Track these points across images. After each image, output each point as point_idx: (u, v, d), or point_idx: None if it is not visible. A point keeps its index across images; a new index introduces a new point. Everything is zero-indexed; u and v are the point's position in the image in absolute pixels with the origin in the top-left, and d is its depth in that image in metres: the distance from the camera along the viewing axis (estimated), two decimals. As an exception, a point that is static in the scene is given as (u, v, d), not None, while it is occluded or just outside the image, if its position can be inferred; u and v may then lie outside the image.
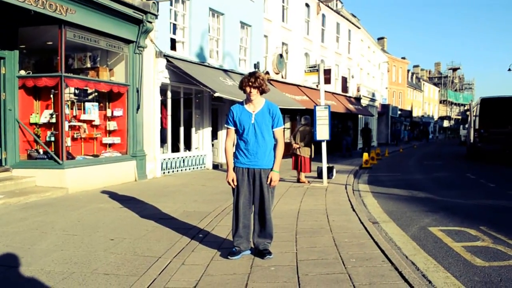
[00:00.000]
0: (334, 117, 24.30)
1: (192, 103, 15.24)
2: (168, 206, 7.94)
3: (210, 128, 15.89)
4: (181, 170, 14.29)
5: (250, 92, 4.55)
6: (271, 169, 4.60)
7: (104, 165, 10.73)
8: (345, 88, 30.54)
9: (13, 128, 9.84)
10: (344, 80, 30.38)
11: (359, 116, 33.95)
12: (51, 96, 10.27)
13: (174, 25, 14.17)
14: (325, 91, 12.55)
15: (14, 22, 9.55)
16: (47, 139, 10.11)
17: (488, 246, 5.44)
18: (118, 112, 11.57)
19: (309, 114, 12.23)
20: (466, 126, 30.57)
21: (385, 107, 44.40)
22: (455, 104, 78.88)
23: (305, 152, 11.35)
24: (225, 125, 4.85)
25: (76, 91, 10.93)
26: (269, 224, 4.68)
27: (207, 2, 15.21)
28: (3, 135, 9.77)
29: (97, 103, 11.25)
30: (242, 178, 4.62)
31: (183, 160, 14.46)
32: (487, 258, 4.92)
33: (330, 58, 27.81)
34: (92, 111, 10.94)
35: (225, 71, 15.98)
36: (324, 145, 11.28)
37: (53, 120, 10.05)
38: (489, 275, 4.38)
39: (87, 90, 11.13)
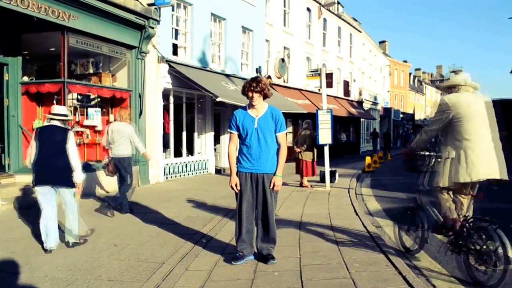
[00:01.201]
0: (336, 121, 24.34)
1: (195, 108, 15.26)
2: (171, 211, 7.94)
3: (213, 133, 15.91)
4: (184, 175, 14.29)
5: (253, 97, 4.56)
6: (274, 174, 4.60)
7: (107, 170, 10.73)
8: (347, 92, 30.55)
9: (16, 134, 9.87)
10: (346, 84, 30.40)
11: (361, 119, 33.95)
12: (54, 102, 10.29)
13: (176, 30, 14.22)
14: (327, 95, 12.56)
15: (17, 28, 9.61)
16: (50, 145, 10.11)
17: (492, 250, 5.41)
18: (120, 118, 11.57)
19: (311, 118, 12.23)
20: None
21: (387, 110, 44.38)
22: (458, 107, 78.62)
23: (307, 156, 11.34)
24: (228, 130, 4.85)
25: (79, 97, 10.97)
26: (273, 229, 4.67)
27: (209, 7, 15.26)
28: (7, 141, 9.80)
29: (99, 109, 11.28)
30: (245, 183, 4.62)
31: (186, 165, 14.46)
32: (491, 262, 4.88)
33: (331, 62, 27.84)
34: (95, 116, 10.97)
35: (227, 75, 16.01)
36: (326, 149, 11.27)
37: (56, 126, 10.06)
38: (493, 279, 4.35)
39: (89, 95, 11.17)
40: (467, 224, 4.30)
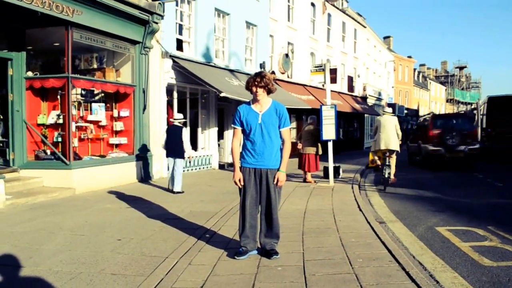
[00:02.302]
0: (340, 116, 24.30)
1: (198, 103, 15.26)
2: (175, 206, 7.96)
3: (216, 128, 15.91)
4: (187, 170, 14.31)
5: (257, 91, 4.55)
6: (278, 169, 4.60)
7: (111, 166, 10.78)
8: (351, 88, 30.46)
9: (20, 129, 9.91)
10: (350, 80, 30.31)
11: (365, 115, 33.85)
12: (58, 97, 10.33)
13: (180, 25, 14.20)
14: (331, 91, 12.52)
15: (21, 23, 9.62)
16: (54, 139, 10.17)
17: (496, 246, 5.41)
18: (124, 113, 11.61)
19: (315, 114, 12.21)
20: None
21: (391, 106, 44.14)
22: (462, 103, 78.27)
23: (311, 151, 11.32)
24: (232, 125, 4.85)
25: (83, 92, 10.99)
26: (276, 224, 4.68)
27: (213, 2, 15.23)
28: (11, 136, 9.85)
29: (103, 104, 11.30)
30: (249, 178, 4.62)
31: (189, 160, 14.46)
32: (495, 258, 4.89)
33: (336, 58, 27.76)
34: (98, 111, 11.00)
35: (231, 71, 15.99)
36: (330, 144, 11.25)
37: (60, 121, 10.11)
38: (497, 275, 4.35)
39: (93, 90, 11.18)
40: (385, 166, 10.32)
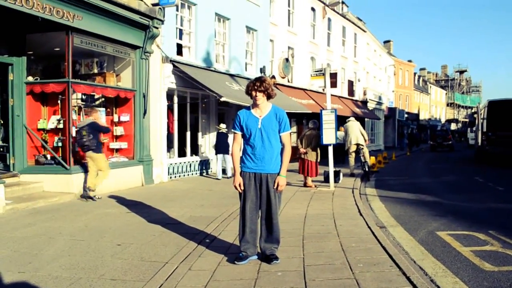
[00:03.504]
0: (340, 121, 24.26)
1: (199, 107, 15.27)
2: (175, 211, 7.94)
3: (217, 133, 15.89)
4: (188, 174, 14.30)
5: (256, 95, 4.56)
6: (278, 174, 4.59)
7: (111, 170, 10.75)
8: (351, 92, 30.48)
9: (21, 134, 9.90)
10: (351, 84, 30.34)
11: (366, 119, 33.84)
12: (59, 102, 10.34)
13: (180, 30, 14.23)
14: (332, 95, 12.53)
15: (22, 28, 9.64)
16: (55, 144, 10.16)
17: (497, 250, 5.39)
18: (125, 117, 11.62)
19: (316, 118, 12.20)
20: (474, 129, 30.41)
21: (392, 110, 44.22)
22: (462, 106, 78.39)
23: (312, 156, 11.31)
24: (232, 130, 4.85)
25: (83, 97, 10.99)
26: (276, 229, 4.66)
27: (213, 7, 15.27)
28: (11, 140, 9.84)
29: (104, 109, 11.30)
30: (249, 182, 4.62)
31: (190, 165, 14.47)
32: (496, 263, 4.87)
33: (336, 62, 27.79)
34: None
35: (231, 75, 16.01)
36: (330, 149, 11.23)
37: (61, 126, 10.11)
38: (498, 280, 4.33)
39: (94, 95, 11.19)
40: (363, 160, 13.79)
